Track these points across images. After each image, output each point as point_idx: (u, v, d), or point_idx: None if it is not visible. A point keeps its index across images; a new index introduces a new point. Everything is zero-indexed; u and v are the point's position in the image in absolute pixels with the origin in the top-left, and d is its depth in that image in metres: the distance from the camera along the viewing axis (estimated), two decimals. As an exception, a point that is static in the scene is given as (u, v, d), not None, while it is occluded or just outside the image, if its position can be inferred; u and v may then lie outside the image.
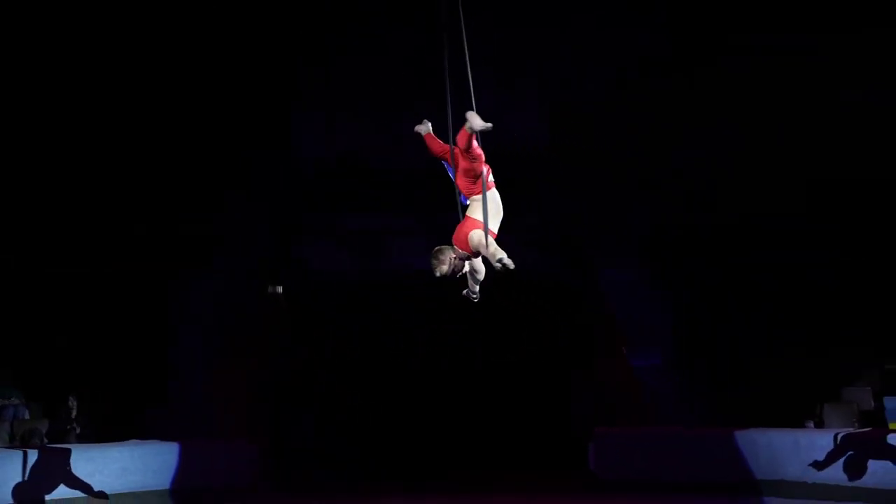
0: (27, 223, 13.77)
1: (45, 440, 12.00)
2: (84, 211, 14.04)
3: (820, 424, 12.19)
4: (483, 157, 7.24)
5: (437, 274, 7.04)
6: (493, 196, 7.35)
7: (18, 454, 10.94)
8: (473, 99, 7.20)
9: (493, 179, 7.39)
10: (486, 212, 7.14)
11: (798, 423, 12.27)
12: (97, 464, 11.45)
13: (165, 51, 13.90)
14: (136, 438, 12.22)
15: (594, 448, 12.76)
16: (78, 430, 12.27)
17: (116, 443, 11.95)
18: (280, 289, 15.04)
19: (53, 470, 11.07)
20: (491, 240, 7.09)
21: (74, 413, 12.37)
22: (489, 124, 6.97)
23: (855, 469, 11.11)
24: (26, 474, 10.86)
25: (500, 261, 6.85)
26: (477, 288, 7.68)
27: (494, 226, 7.28)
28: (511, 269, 6.80)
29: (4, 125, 13.39)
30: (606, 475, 12.69)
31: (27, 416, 12.42)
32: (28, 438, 11.88)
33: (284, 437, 14.91)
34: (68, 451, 11.30)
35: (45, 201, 13.88)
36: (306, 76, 14.50)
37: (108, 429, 12.46)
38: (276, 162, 14.70)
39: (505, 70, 14.42)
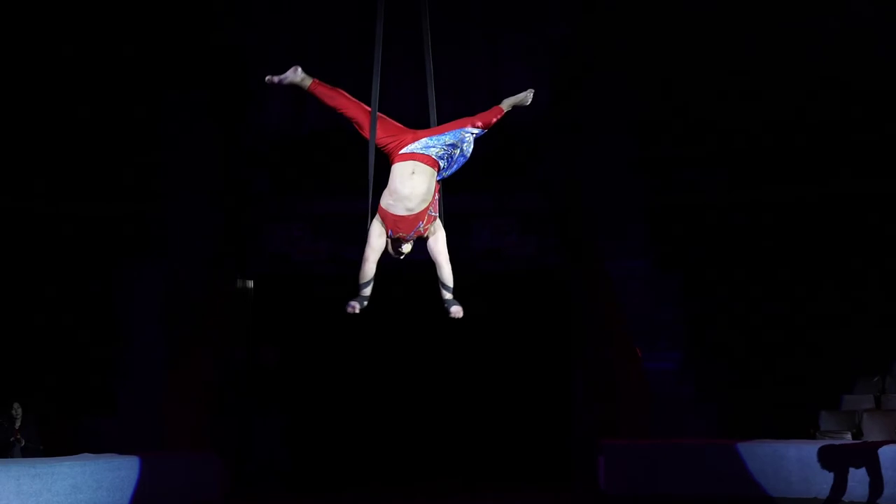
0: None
1: (-15, 454, 10.83)
2: (20, 193, 12.81)
3: (858, 435, 11.01)
4: (356, 119, 6.35)
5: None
6: (393, 170, 6.33)
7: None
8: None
9: (407, 151, 6.33)
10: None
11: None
12: (45, 481, 10.11)
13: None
14: (88, 452, 11.00)
15: (604, 461, 11.52)
16: (23, 443, 11.05)
17: (67, 457, 10.68)
18: (251, 283, 13.88)
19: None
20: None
21: (19, 423, 11.16)
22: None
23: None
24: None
25: None
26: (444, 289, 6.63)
27: (390, 206, 6.29)
28: None
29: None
30: (617, 491, 11.42)
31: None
32: (-33, 452, 10.71)
33: (252, 446, 13.74)
34: (13, 467, 9.98)
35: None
36: (269, 33, 13.27)
37: (53, 441, 11.24)
38: (234, 134, 13.50)
39: (498, 30, 13.34)
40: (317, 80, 6.39)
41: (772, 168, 13.48)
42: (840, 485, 10.28)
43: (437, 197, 6.32)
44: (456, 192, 13.37)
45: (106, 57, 13.06)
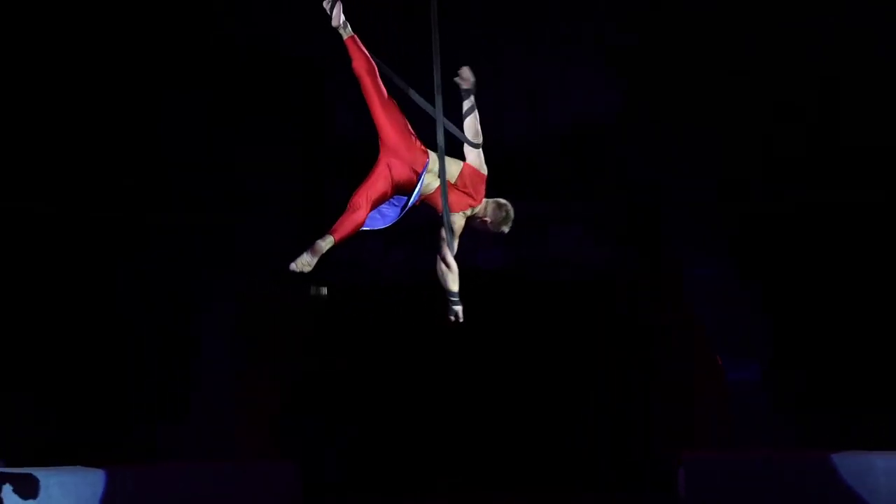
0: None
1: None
2: (87, 191, 12.83)
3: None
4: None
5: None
6: None
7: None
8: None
9: None
10: None
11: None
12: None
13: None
14: (160, 459, 11.09)
15: (685, 473, 11.22)
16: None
17: (137, 464, 10.91)
18: (324, 290, 13.79)
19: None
20: None
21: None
22: None
23: None
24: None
25: None
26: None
27: None
28: None
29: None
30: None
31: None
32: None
33: (322, 455, 13.65)
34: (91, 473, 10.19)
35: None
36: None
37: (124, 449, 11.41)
38: (307, 140, 13.44)
39: (566, 32, 13.09)
40: (355, 37, 6.11)
41: (859, 171, 13.02)
42: None
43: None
44: (527, 198, 13.35)
45: (175, 62, 13.06)
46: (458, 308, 6.13)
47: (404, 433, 14.43)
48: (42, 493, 9.65)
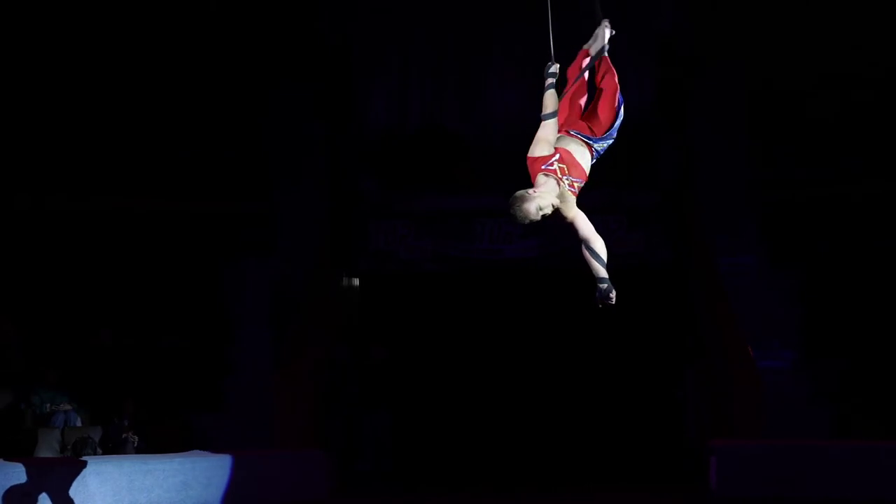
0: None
1: (99, 450, 10.99)
2: (133, 194, 12.98)
3: None
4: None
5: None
6: None
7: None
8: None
9: None
10: None
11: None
12: (156, 477, 10.32)
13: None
14: (197, 449, 11.13)
15: (716, 462, 11.15)
16: (135, 441, 11.23)
17: (178, 454, 10.82)
18: (356, 281, 13.87)
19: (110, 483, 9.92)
20: None
21: (129, 420, 11.38)
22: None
23: None
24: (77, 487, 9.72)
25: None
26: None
27: None
28: None
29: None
30: (729, 493, 11.06)
31: (79, 424, 11.42)
32: (80, 448, 10.88)
33: (359, 445, 13.70)
34: (125, 463, 10.23)
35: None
36: (373, 28, 13.21)
37: (163, 438, 11.45)
38: (340, 132, 13.50)
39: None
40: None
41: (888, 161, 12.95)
42: None
43: None
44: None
45: (212, 52, 13.14)
46: (598, 293, 5.95)
47: (438, 423, 14.47)
48: (78, 483, 9.69)
